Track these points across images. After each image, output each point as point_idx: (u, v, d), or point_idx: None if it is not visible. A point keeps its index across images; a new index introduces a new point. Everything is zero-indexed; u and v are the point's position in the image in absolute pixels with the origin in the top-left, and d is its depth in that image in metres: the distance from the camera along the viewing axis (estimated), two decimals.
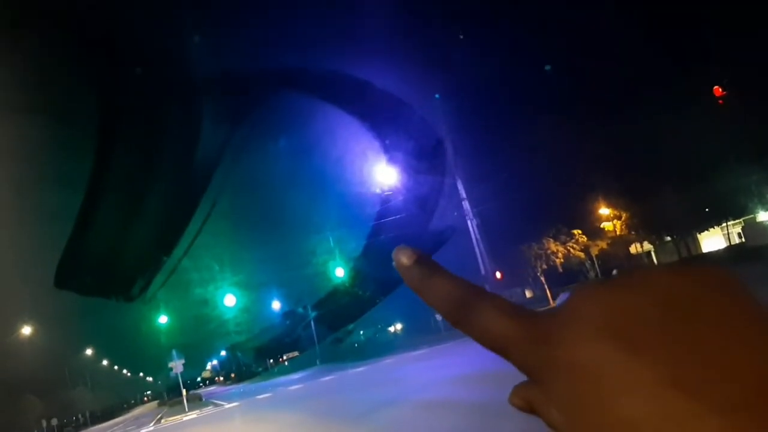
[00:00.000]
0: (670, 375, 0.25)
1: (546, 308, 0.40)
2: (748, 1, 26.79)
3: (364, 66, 26.89)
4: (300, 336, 46.42)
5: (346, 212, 37.76)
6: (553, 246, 35.21)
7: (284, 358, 55.57)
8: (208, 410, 25.34)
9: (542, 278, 35.81)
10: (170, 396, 47.49)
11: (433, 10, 33.96)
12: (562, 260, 35.29)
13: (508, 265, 36.76)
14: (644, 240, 35.89)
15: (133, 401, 75.52)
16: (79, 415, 51.48)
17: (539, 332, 0.31)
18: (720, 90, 29.55)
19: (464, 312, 0.34)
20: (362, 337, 49.71)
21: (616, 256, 34.90)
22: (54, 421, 43.16)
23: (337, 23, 29.77)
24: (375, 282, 34.55)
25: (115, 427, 38.48)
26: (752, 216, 31.89)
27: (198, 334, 47.62)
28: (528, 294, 39.08)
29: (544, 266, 35.48)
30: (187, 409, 28.84)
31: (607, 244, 35.31)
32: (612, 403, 0.26)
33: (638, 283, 0.29)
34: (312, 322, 43.41)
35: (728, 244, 33.27)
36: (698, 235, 35.00)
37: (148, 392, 77.84)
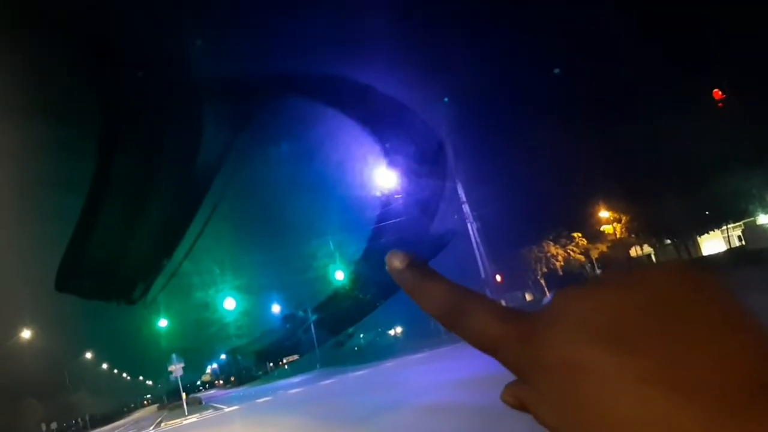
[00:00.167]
0: (654, 373, 0.25)
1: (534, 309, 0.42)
2: (748, 2, 26.82)
3: (366, 70, 26.94)
4: (300, 339, 46.30)
5: (346, 216, 37.72)
6: (554, 249, 35.25)
7: (284, 361, 55.41)
8: (208, 414, 25.27)
9: (542, 281, 35.81)
10: (170, 399, 47.41)
11: (433, 13, 34.04)
12: (562, 263, 35.32)
13: (509, 269, 36.75)
14: (644, 243, 35.89)
15: (133, 405, 75.22)
16: (79, 419, 51.30)
17: (525, 332, 0.31)
18: (720, 93, 29.57)
19: (456, 315, 0.35)
20: (362, 341, 49.64)
21: (616, 259, 34.89)
22: (54, 425, 43.02)
23: (338, 28, 29.84)
24: (375, 285, 34.45)
25: (116, 431, 38.39)
26: (752, 219, 31.88)
27: (198, 338, 47.58)
28: (528, 297, 39.02)
29: (545, 269, 35.50)
30: (186, 413, 28.80)
31: (608, 247, 35.33)
32: (596, 401, 0.26)
33: (621, 282, 0.30)
34: (312, 326, 43.32)
35: (728, 247, 33.27)
36: (698, 238, 34.98)
37: (148, 396, 77.61)
